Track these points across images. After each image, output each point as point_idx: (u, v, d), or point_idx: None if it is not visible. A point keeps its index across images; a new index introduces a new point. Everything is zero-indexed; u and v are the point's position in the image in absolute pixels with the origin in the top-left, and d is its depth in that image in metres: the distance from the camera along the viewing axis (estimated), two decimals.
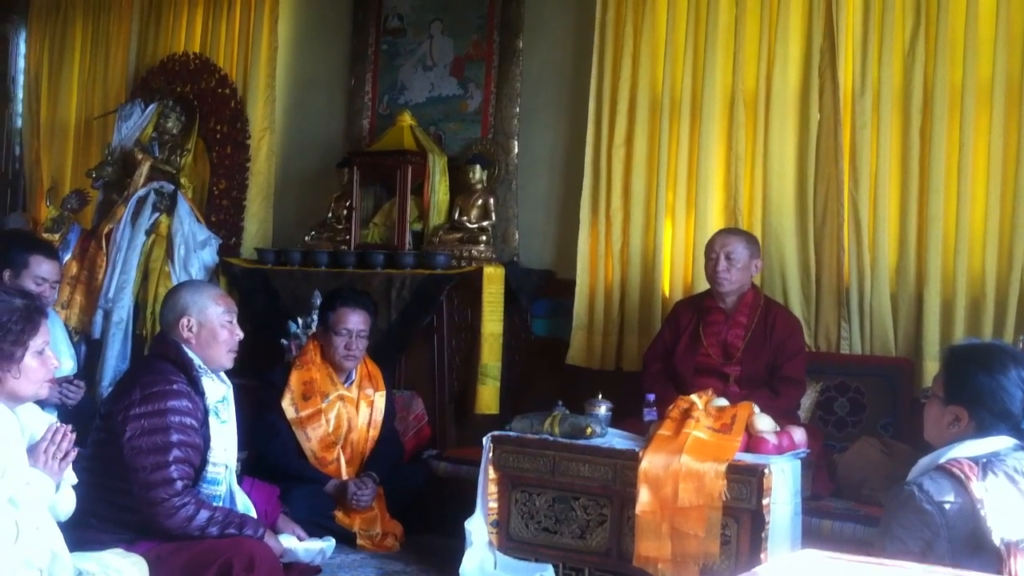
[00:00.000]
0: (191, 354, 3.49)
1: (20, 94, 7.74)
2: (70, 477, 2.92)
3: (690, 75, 5.10)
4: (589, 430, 3.96)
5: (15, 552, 2.62)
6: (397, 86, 6.13)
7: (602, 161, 5.29)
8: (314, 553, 3.75)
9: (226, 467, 3.54)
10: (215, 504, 3.43)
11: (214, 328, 3.52)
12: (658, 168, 5.13)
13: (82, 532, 3.14)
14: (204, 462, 3.43)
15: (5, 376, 2.74)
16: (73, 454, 2.86)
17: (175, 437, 3.31)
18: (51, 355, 2.87)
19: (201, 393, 3.44)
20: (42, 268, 4.51)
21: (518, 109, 5.73)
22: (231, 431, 3.58)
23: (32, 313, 2.78)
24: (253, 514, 3.57)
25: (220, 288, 3.74)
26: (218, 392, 3.54)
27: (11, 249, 4.61)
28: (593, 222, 5.31)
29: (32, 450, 2.82)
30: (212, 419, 3.45)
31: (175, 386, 3.39)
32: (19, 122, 7.74)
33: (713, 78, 5.01)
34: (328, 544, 3.81)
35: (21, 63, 7.74)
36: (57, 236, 6.16)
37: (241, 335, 3.60)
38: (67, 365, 4.66)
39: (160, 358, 3.51)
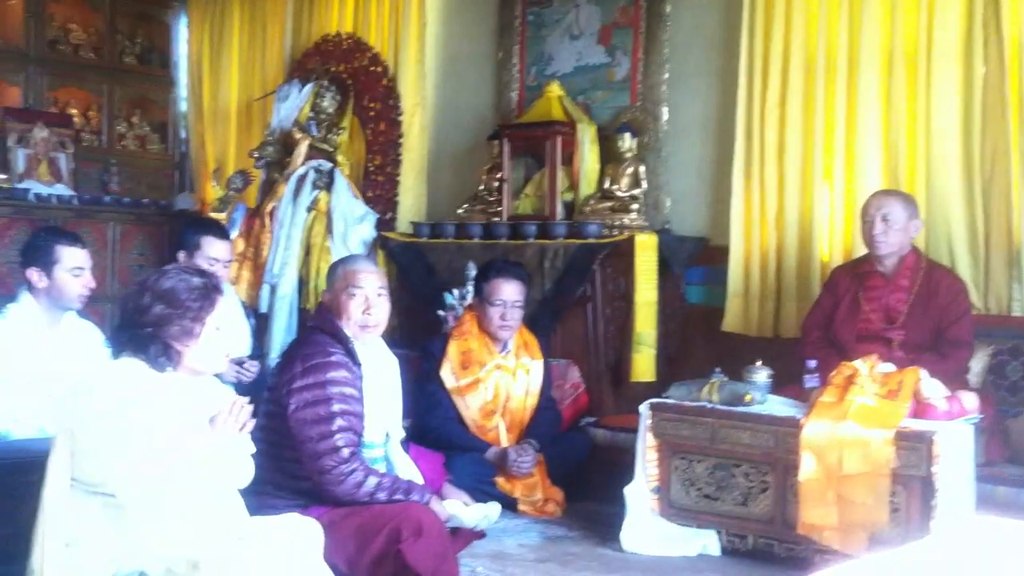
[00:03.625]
0: (344, 325, 3.60)
1: (183, 79, 8.05)
2: (248, 447, 3.05)
3: (846, 32, 4.95)
4: (748, 397, 3.93)
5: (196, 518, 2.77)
6: (544, 57, 6.15)
7: (755, 124, 5.20)
8: (479, 518, 3.83)
9: (386, 434, 3.65)
10: (379, 469, 3.54)
11: (340, 301, 3.61)
12: (814, 130, 5.01)
13: (258, 499, 3.26)
14: (362, 429, 3.54)
15: (185, 351, 2.88)
16: (250, 425, 2.97)
17: (337, 407, 3.42)
18: (227, 331, 3.00)
19: (359, 363, 3.55)
20: (214, 249, 4.73)
21: (667, 75, 5.68)
22: (391, 399, 3.69)
23: (209, 291, 2.91)
24: (420, 481, 3.67)
25: (361, 263, 3.78)
26: (376, 360, 3.64)
27: (185, 231, 4.86)
28: (747, 187, 5.23)
29: (211, 422, 2.95)
30: (367, 387, 3.56)
31: (333, 357, 3.50)
32: (183, 106, 8.07)
33: (870, 34, 4.86)
34: (493, 508, 3.88)
35: (183, 49, 8.05)
36: (224, 215, 6.42)
37: (368, 312, 3.59)
38: (245, 344, 4.88)
39: (317, 330, 3.64)
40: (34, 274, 3.99)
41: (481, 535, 3.98)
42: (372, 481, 3.44)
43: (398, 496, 3.46)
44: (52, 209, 6.67)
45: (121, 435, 2.68)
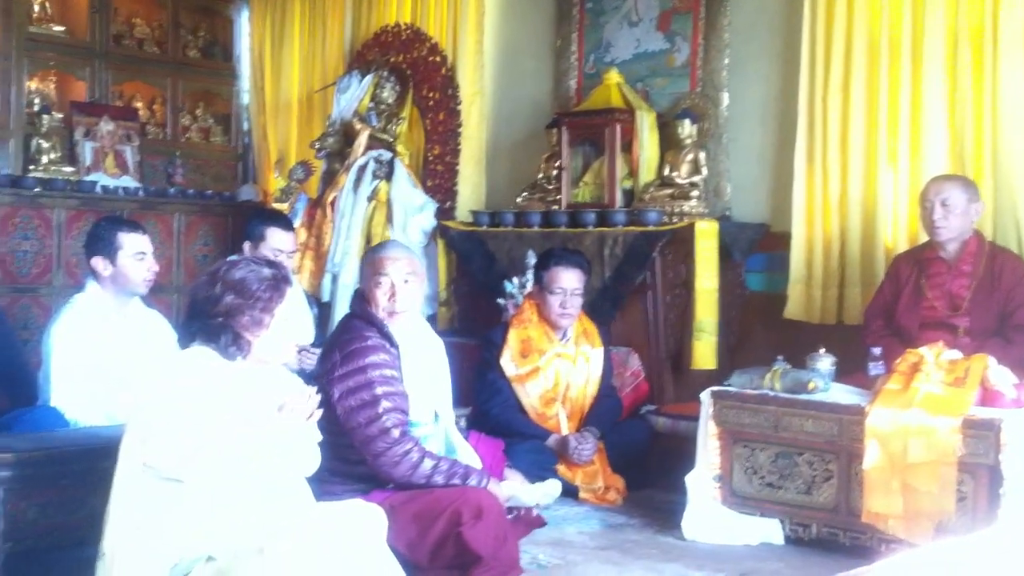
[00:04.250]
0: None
1: (245, 72, 8.14)
2: (315, 435, 3.09)
3: (909, 14, 4.86)
4: (812, 384, 3.89)
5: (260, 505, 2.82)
6: (603, 44, 6.12)
7: (817, 109, 5.14)
8: (539, 496, 3.80)
9: (435, 414, 3.69)
10: (427, 448, 3.55)
11: (370, 288, 3.65)
12: (878, 114, 4.94)
13: (318, 486, 3.29)
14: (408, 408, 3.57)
15: (254, 340, 2.92)
16: (318, 414, 3.00)
17: (380, 389, 3.46)
18: (293, 320, 3.03)
19: (395, 344, 3.59)
20: (279, 239, 4.81)
21: (727, 60, 5.63)
22: (436, 379, 3.73)
23: (279, 282, 2.95)
24: (479, 466, 3.68)
25: (389, 250, 3.79)
26: (415, 341, 3.68)
27: (251, 222, 4.94)
28: (809, 172, 5.17)
29: (279, 410, 2.98)
30: (406, 365, 3.59)
31: (368, 341, 3.54)
32: (246, 99, 8.16)
33: (935, 16, 4.77)
34: (552, 486, 3.85)
35: (245, 42, 8.13)
36: (286, 206, 6.49)
37: (394, 299, 3.61)
38: (308, 333, 4.95)
39: (353, 317, 3.69)
40: (99, 263, 4.07)
41: (542, 523, 3.99)
42: (428, 464, 3.46)
43: (455, 480, 3.49)
44: (119, 201, 6.78)
45: (181, 423, 2.74)
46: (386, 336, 3.58)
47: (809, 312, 5.12)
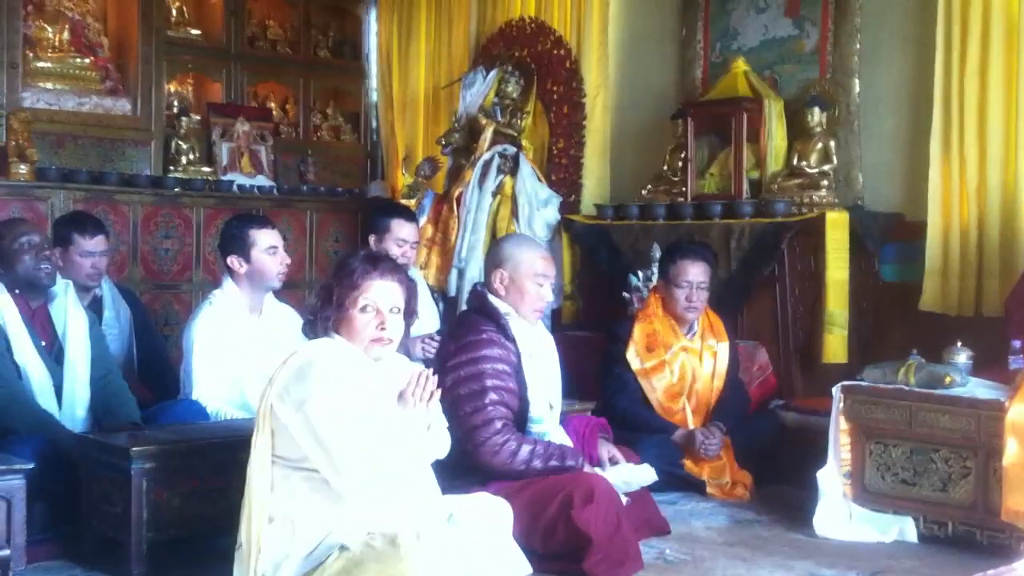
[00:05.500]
0: (496, 303, 3.67)
1: (374, 70, 8.29)
2: (441, 419, 3.13)
3: None
4: (948, 379, 3.78)
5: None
6: (729, 32, 6.04)
7: (953, 93, 4.97)
8: (623, 476, 3.74)
9: (550, 407, 3.71)
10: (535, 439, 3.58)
11: (523, 285, 3.68)
12: (1017, 97, 4.75)
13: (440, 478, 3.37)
14: (526, 403, 3.61)
15: (338, 327, 3.00)
16: (437, 394, 3.01)
17: (490, 382, 3.52)
18: (377, 313, 3.00)
19: (512, 339, 3.62)
20: (403, 231, 4.90)
21: (858, 45, 5.49)
22: (553, 374, 3.76)
23: (353, 274, 2.99)
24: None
25: (543, 248, 3.86)
26: (532, 337, 3.71)
27: (374, 215, 5.06)
28: (945, 159, 5.00)
29: (400, 397, 3.02)
30: (527, 362, 3.62)
31: (484, 335, 3.59)
32: (374, 97, 8.31)
33: None
34: (643, 472, 3.79)
35: (373, 41, 8.28)
36: (413, 201, 6.60)
37: (550, 298, 3.75)
38: (433, 325, 5.03)
39: (471, 311, 3.75)
40: (234, 261, 4.22)
41: (667, 530, 3.94)
42: (526, 449, 3.51)
43: (553, 462, 3.52)
44: (254, 199, 6.98)
45: (307, 413, 2.81)
46: (504, 331, 3.63)
47: (945, 303, 4.96)
